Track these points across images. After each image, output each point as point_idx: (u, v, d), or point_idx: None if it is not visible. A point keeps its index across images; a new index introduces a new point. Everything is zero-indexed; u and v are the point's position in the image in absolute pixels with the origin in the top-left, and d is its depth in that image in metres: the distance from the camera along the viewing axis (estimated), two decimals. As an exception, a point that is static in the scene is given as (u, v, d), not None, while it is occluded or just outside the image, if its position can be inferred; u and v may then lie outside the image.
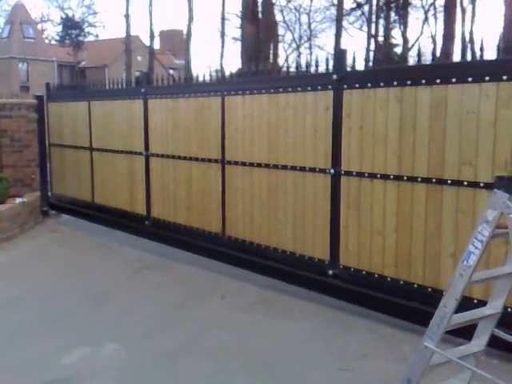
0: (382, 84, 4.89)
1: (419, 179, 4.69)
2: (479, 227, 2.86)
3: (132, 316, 5.43)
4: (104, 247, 8.04)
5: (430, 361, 2.98)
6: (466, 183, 4.39)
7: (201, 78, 6.82)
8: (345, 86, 5.18)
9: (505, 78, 4.13)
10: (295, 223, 5.79)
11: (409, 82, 4.69)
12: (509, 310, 3.96)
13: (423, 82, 4.59)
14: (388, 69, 4.99)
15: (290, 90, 5.69)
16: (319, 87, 5.40)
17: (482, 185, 4.30)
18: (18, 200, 8.96)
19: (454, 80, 4.42)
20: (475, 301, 4.25)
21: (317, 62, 5.53)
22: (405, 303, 4.86)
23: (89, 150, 8.88)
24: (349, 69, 5.24)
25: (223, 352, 4.58)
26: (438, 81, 4.50)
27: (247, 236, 6.34)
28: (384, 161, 4.94)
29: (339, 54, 5.36)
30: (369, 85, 4.99)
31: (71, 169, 9.47)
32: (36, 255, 7.83)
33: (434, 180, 4.60)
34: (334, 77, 5.24)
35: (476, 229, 2.88)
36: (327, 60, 5.34)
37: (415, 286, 4.79)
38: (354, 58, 5.22)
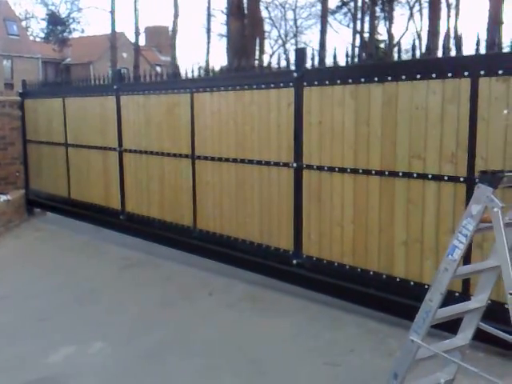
0: (338, 82, 5.11)
1: (373, 172, 4.92)
2: (463, 221, 2.87)
3: (118, 314, 5.47)
4: (89, 245, 8.12)
5: (416, 355, 3.01)
6: (415, 175, 4.63)
7: (169, 75, 7.00)
8: (305, 84, 5.39)
9: (450, 75, 4.37)
10: (261, 215, 6.00)
11: (363, 80, 4.91)
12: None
13: (376, 79, 4.82)
14: (343, 67, 5.19)
15: (254, 87, 5.89)
16: (281, 84, 5.61)
17: (430, 176, 4.54)
18: (3, 198, 9.06)
19: (403, 77, 4.65)
20: (426, 286, 4.50)
21: (278, 59, 5.74)
22: (362, 289, 5.09)
23: (64, 145, 9.03)
24: (308, 67, 5.45)
25: (210, 349, 4.64)
26: (389, 78, 4.74)
27: (217, 228, 6.54)
28: (341, 155, 5.16)
29: (300, 53, 5.56)
30: (327, 82, 5.21)
31: (47, 165, 9.60)
32: (21, 254, 7.90)
33: (386, 172, 4.83)
34: (295, 74, 5.45)
35: (460, 223, 2.88)
36: (287, 58, 5.54)
37: (371, 273, 5.03)
38: (312, 56, 5.43)
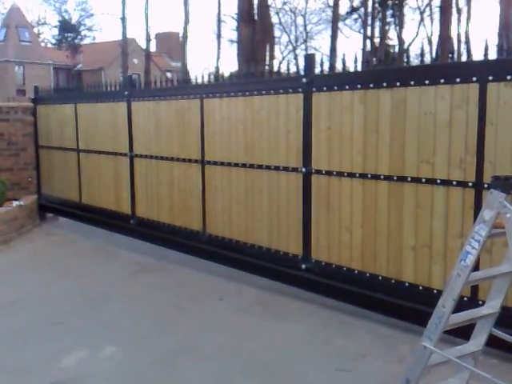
0: (347, 87, 5.14)
1: (382, 177, 4.94)
2: (476, 227, 2.84)
3: (130, 318, 5.48)
4: (100, 249, 8.16)
5: (429, 361, 2.99)
6: (424, 180, 4.64)
7: (180, 81, 7.07)
8: (314, 89, 5.42)
9: (458, 80, 4.39)
10: (270, 220, 6.03)
11: (371, 85, 4.94)
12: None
13: (384, 85, 4.84)
14: (352, 73, 5.22)
15: (264, 92, 5.93)
16: (290, 90, 5.64)
17: (438, 181, 4.55)
18: (15, 203, 9.13)
19: (412, 83, 4.67)
20: (435, 291, 4.52)
21: (288, 65, 5.78)
22: (371, 294, 5.09)
23: (76, 151, 9.12)
24: (317, 72, 5.48)
25: (222, 353, 4.64)
26: (397, 84, 4.76)
27: (227, 233, 6.57)
28: (350, 160, 5.19)
29: (309, 59, 5.60)
30: (335, 88, 5.24)
31: (59, 170, 9.70)
32: (34, 258, 7.94)
33: (395, 177, 4.84)
34: (304, 80, 5.49)
35: (473, 229, 2.87)
36: (297, 64, 5.59)
37: (380, 277, 5.04)
38: (321, 61, 5.47)
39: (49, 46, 54.96)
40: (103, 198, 8.59)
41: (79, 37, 53.50)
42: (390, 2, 34.01)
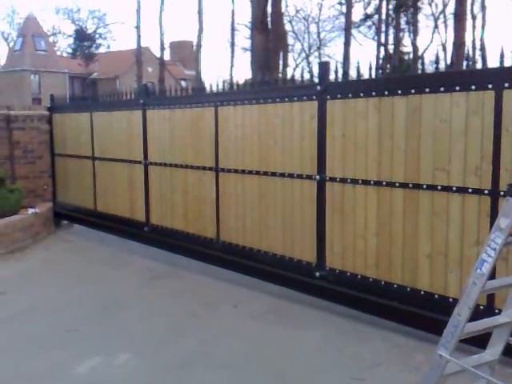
0: (361, 94, 5.14)
1: (397, 184, 4.92)
2: (492, 235, 2.82)
3: (145, 325, 5.50)
4: (115, 256, 8.21)
5: (445, 370, 2.96)
6: (439, 187, 4.62)
7: (194, 89, 7.12)
8: (328, 97, 5.43)
9: (473, 87, 4.37)
10: (284, 227, 6.03)
11: (386, 93, 4.93)
12: None
13: (399, 92, 4.84)
14: (366, 80, 5.23)
15: (278, 100, 5.95)
16: (305, 98, 5.65)
17: (454, 189, 4.52)
18: (31, 211, 9.23)
19: (427, 90, 4.66)
20: (450, 299, 4.49)
21: (302, 73, 5.80)
22: (386, 302, 5.07)
23: (91, 159, 9.20)
24: (332, 80, 5.49)
25: (237, 361, 4.64)
26: (412, 91, 4.75)
27: (240, 240, 6.58)
28: (365, 167, 5.18)
29: (323, 66, 5.62)
30: (350, 95, 5.24)
31: (74, 177, 9.78)
32: (49, 265, 8.00)
33: (410, 185, 4.82)
34: (318, 88, 5.50)
35: (489, 236, 2.85)
36: (311, 71, 5.60)
37: (395, 286, 5.01)
38: (336, 69, 5.48)
39: (64, 54, 55.59)
40: (118, 205, 8.65)
41: (94, 45, 54.09)
42: (403, 9, 33.91)
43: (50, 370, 4.57)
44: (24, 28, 50.25)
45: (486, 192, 4.32)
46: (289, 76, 6.02)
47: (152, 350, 4.89)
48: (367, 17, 37.34)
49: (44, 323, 5.61)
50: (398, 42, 34.88)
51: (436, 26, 38.29)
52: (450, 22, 32.56)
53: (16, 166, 9.82)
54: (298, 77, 6.00)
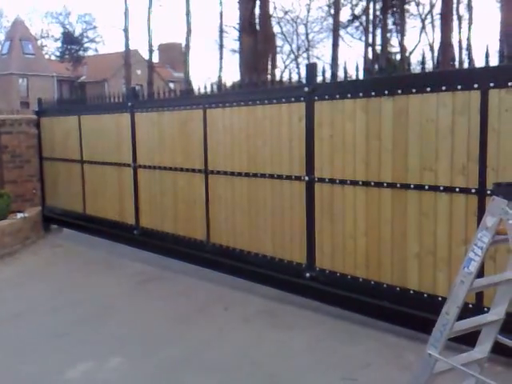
0: (349, 95, 5.16)
1: (385, 184, 4.95)
2: (479, 234, 2.86)
3: (135, 329, 5.48)
4: (105, 260, 8.17)
5: (434, 368, 2.98)
6: (427, 187, 4.65)
7: (183, 92, 7.11)
8: (316, 98, 5.45)
9: (459, 87, 4.40)
10: (274, 229, 6.04)
11: (373, 93, 4.96)
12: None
13: (386, 92, 4.86)
14: (354, 81, 5.25)
15: (266, 102, 5.96)
16: (293, 99, 5.67)
17: (441, 188, 4.55)
18: (20, 215, 9.17)
19: (414, 90, 4.69)
20: (439, 298, 4.52)
21: (290, 74, 5.81)
22: (376, 302, 5.09)
23: (80, 162, 9.16)
24: (319, 81, 5.51)
25: (228, 363, 4.65)
26: (399, 91, 4.78)
27: (231, 242, 6.58)
28: (353, 167, 5.20)
29: (311, 67, 5.63)
30: (337, 96, 5.26)
31: (63, 181, 9.73)
32: (39, 270, 7.95)
33: (398, 185, 4.85)
34: (306, 89, 5.52)
35: (475, 235, 2.88)
36: (299, 73, 5.62)
37: (385, 285, 5.03)
38: (323, 70, 5.49)
39: (52, 58, 55.30)
40: (107, 208, 8.62)
41: (82, 49, 53.85)
42: (391, 10, 34.09)
43: (41, 375, 4.55)
44: (11, 31, 49.98)
45: (473, 191, 4.35)
46: (278, 77, 5.98)
47: (143, 354, 4.88)
48: (355, 18, 37.48)
49: (34, 328, 5.57)
50: (385, 42, 35.00)
51: (423, 27, 38.51)
52: (437, 23, 32.78)
53: (4, 170, 9.74)
54: (286, 78, 6.00)
